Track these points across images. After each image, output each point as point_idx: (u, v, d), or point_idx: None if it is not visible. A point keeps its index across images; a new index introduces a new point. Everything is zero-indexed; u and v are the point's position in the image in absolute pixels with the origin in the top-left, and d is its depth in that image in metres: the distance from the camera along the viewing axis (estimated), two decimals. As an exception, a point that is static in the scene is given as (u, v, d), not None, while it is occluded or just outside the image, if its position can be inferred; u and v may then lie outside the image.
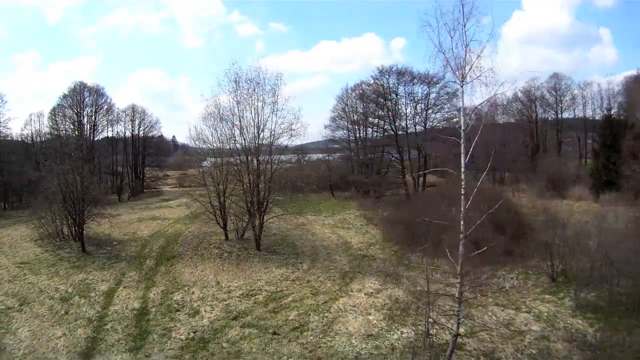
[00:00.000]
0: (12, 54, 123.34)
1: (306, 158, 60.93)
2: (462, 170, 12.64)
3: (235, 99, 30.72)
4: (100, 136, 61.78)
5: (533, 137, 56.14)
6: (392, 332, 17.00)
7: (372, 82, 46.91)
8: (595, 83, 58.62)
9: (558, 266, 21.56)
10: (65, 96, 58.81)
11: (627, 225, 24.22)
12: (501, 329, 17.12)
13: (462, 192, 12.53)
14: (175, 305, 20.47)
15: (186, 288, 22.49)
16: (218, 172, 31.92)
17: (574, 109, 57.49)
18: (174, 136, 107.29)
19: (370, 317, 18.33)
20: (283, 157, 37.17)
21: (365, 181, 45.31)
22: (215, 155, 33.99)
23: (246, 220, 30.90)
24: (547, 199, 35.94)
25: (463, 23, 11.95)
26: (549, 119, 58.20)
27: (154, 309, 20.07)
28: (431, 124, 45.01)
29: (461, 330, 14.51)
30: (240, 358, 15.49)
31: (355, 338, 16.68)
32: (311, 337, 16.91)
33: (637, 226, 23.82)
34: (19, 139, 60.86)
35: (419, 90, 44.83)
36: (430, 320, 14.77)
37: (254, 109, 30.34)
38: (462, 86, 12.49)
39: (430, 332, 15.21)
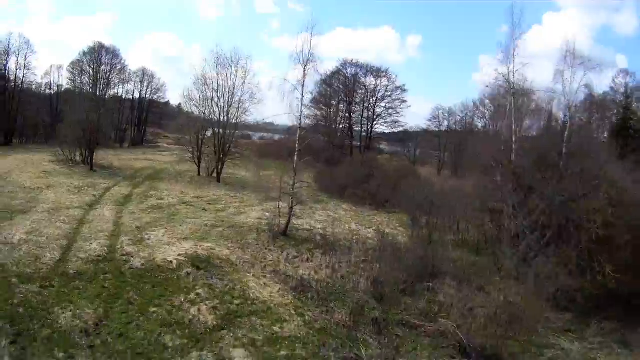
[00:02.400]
0: (27, 1, 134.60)
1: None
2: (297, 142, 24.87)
3: (215, 70, 43.88)
4: (111, 92, 74.33)
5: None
6: (266, 219, 28.88)
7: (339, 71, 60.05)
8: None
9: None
10: (85, 53, 71.67)
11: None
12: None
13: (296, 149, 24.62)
14: (150, 194, 33.48)
15: (159, 191, 35.31)
16: (199, 123, 45.46)
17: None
18: (179, 103, 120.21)
19: (265, 215, 30.28)
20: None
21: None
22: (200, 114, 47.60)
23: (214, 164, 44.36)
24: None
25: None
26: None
27: (135, 195, 32.98)
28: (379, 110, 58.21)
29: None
30: (178, 214, 28.37)
31: (248, 218, 29.25)
32: (224, 215, 29.66)
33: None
34: (40, 88, 73.23)
35: (371, 81, 58.01)
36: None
37: (229, 77, 43.48)
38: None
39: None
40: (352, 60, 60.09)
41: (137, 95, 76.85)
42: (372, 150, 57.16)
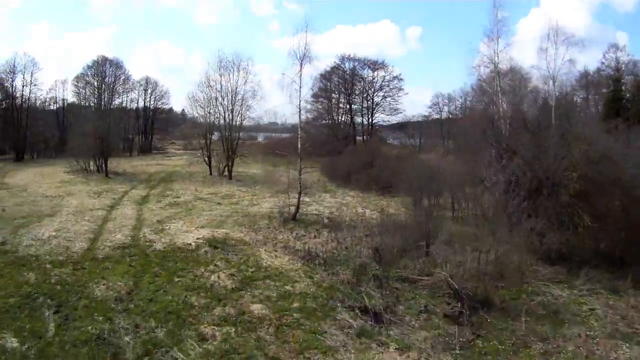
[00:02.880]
0: (25, 23, 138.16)
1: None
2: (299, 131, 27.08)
3: (218, 72, 46.37)
4: (116, 101, 76.84)
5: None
6: (276, 207, 31.15)
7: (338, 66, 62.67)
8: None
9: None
10: (89, 67, 74.60)
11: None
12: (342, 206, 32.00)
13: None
14: (166, 194, 35.80)
15: (175, 191, 37.61)
16: (205, 125, 48.03)
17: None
18: (183, 109, 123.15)
19: (277, 205, 32.29)
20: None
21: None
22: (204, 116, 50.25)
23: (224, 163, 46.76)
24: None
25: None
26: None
27: (152, 195, 35.30)
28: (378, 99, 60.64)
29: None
30: (194, 208, 30.61)
31: (260, 209, 31.41)
32: (238, 206, 31.86)
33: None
34: (44, 103, 75.55)
35: (368, 73, 60.54)
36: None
37: (232, 78, 45.98)
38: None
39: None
40: (349, 55, 62.74)
41: (141, 103, 79.53)
42: (374, 138, 59.32)
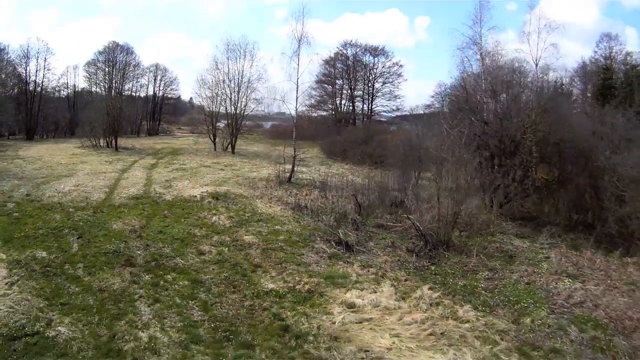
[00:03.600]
0: (32, 10, 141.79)
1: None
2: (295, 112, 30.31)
3: (226, 55, 49.87)
4: (126, 86, 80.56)
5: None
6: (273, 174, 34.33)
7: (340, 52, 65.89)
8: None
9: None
10: (100, 52, 78.19)
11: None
12: (335, 175, 35.10)
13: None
14: (173, 162, 39.26)
15: (181, 161, 41.05)
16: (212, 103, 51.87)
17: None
18: (191, 98, 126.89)
19: (272, 172, 35.57)
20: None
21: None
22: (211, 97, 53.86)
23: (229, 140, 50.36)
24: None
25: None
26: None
27: (160, 163, 38.76)
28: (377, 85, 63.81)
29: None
30: (199, 172, 34.05)
31: (259, 174, 34.69)
32: (239, 172, 35.27)
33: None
34: (56, 89, 79.00)
35: (369, 60, 63.72)
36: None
37: (238, 62, 49.41)
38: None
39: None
40: (351, 41, 65.83)
41: (151, 89, 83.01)
42: (372, 120, 62.51)
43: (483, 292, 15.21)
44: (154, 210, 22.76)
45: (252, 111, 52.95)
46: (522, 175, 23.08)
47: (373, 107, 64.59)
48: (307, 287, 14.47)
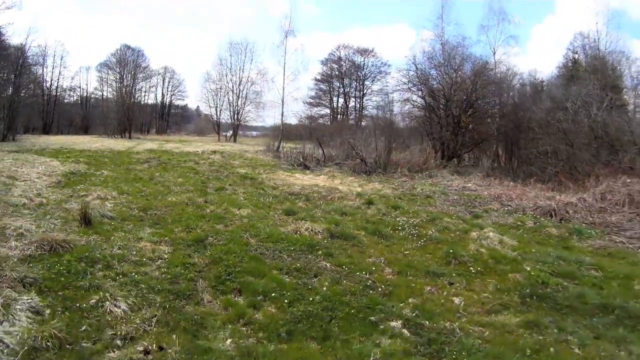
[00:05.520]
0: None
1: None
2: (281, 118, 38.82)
3: (229, 52, 59.32)
4: (137, 87, 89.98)
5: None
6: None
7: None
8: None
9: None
10: (112, 54, 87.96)
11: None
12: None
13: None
14: (182, 143, 47.88)
15: (189, 143, 49.76)
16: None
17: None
18: (197, 106, 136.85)
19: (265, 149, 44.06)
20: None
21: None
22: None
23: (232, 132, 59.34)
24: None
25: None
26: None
27: (170, 142, 47.40)
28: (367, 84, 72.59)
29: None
30: (203, 145, 42.49)
31: (253, 148, 43.01)
32: (239, 147, 43.62)
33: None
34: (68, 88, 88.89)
35: (360, 60, 72.58)
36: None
37: (240, 59, 58.68)
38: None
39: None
40: (344, 44, 74.76)
41: (159, 90, 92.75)
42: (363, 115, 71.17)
43: (395, 183, 22.98)
44: (165, 155, 31.10)
45: (251, 102, 61.51)
46: (462, 135, 31.32)
47: (364, 103, 73.07)
48: (267, 174, 22.59)
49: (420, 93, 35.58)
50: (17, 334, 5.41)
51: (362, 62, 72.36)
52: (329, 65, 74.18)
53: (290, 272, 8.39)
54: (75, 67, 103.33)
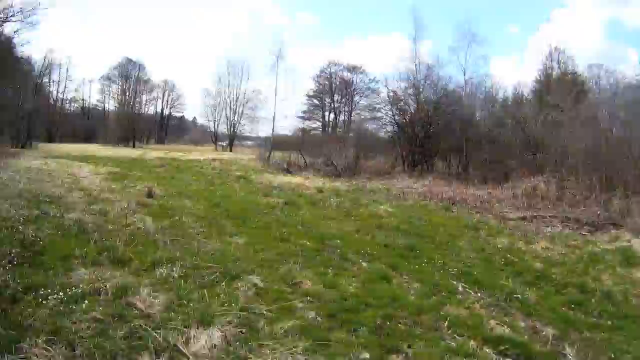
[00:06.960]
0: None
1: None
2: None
3: (227, 69, 68.00)
4: (138, 99, 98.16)
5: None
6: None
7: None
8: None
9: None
10: (114, 67, 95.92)
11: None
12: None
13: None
14: (183, 153, 56.08)
15: (189, 152, 57.83)
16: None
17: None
18: (194, 117, 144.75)
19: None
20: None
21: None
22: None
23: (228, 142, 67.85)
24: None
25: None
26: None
27: (172, 151, 55.54)
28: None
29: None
30: (203, 154, 50.72)
31: (247, 157, 51.22)
32: (235, 156, 51.81)
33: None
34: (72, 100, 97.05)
35: (348, 76, 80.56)
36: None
37: (238, 74, 67.39)
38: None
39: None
40: (335, 61, 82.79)
41: (159, 103, 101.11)
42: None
43: (354, 182, 31.08)
44: (174, 162, 39.13)
45: (247, 117, 70.19)
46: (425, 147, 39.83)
47: (353, 118, 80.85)
48: (256, 176, 30.63)
49: (390, 113, 43.99)
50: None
51: (352, 79, 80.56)
52: (320, 81, 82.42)
53: (261, 214, 16.37)
54: (78, 78, 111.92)
